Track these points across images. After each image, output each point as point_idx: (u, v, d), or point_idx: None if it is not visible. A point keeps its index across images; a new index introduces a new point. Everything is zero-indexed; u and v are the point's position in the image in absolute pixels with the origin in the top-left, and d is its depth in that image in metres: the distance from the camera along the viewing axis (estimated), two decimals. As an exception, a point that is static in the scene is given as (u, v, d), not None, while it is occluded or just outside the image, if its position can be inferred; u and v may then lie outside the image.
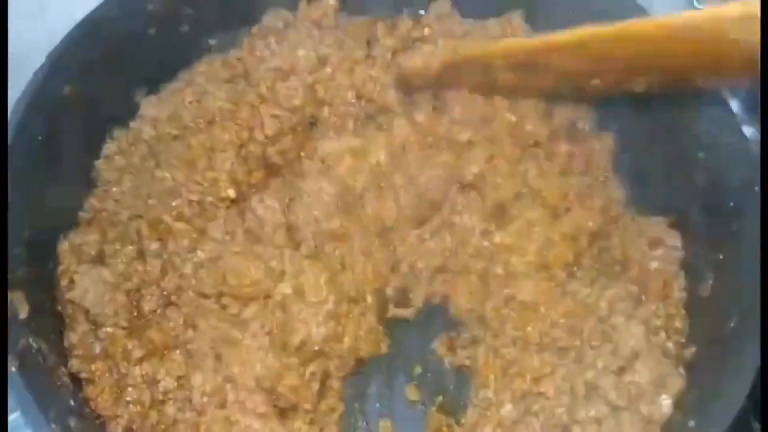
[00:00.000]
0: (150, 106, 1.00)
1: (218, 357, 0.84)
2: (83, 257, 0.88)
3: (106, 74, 0.95)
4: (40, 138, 0.86)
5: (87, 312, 0.85)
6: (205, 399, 0.82)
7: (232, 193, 0.94)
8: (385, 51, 1.03)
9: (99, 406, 0.81)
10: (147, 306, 0.87)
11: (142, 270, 0.89)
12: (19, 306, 0.77)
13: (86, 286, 0.85)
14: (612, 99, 0.96)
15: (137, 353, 0.84)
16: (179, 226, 0.92)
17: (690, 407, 0.79)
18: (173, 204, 0.92)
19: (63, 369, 0.81)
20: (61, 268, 0.87)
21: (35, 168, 0.85)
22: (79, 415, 0.77)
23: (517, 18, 1.04)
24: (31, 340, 0.77)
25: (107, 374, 0.83)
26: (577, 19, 0.93)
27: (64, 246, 0.88)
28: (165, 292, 0.88)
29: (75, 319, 0.85)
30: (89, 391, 0.82)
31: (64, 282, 0.86)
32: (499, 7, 1.05)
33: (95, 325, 0.85)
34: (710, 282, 0.87)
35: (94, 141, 0.96)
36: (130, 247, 0.90)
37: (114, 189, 0.94)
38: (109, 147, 0.97)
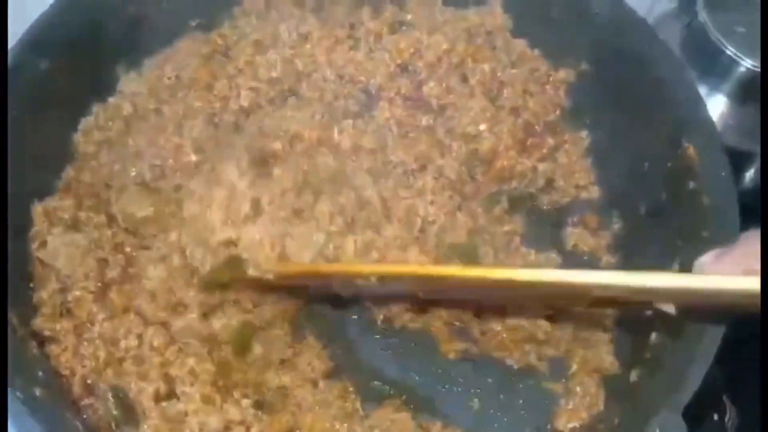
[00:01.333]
0: (129, 83, 1.01)
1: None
2: (57, 222, 0.89)
3: (84, 50, 0.95)
4: (14, 112, 0.85)
5: (57, 273, 0.86)
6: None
7: (194, 157, 0.95)
8: (368, 34, 1.04)
9: (61, 365, 0.82)
10: (112, 272, 0.88)
11: (111, 236, 0.90)
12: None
13: (58, 248, 0.86)
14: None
15: (101, 315, 0.85)
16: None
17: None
18: (133, 169, 0.94)
19: (33, 342, 0.81)
20: (34, 229, 0.88)
21: (13, 139, 0.84)
22: (47, 386, 0.77)
23: (497, 7, 1.04)
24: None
25: (71, 334, 0.84)
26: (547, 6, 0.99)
27: (37, 209, 0.89)
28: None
29: (45, 278, 0.86)
30: (52, 349, 0.83)
31: (35, 244, 0.87)
32: (480, -5, 1.05)
33: (64, 286, 0.86)
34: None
35: (73, 114, 0.97)
36: (103, 216, 0.91)
37: (92, 162, 0.95)
38: (87, 121, 0.97)
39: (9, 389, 0.71)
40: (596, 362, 0.91)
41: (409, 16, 1.05)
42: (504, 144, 0.99)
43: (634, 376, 0.87)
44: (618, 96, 0.99)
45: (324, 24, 1.02)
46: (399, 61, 1.01)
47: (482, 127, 0.98)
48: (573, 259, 0.99)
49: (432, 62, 1.00)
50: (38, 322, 0.83)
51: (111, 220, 0.92)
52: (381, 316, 0.94)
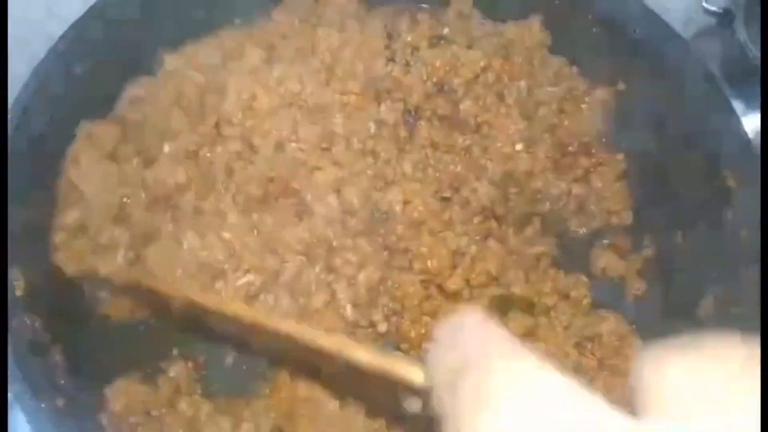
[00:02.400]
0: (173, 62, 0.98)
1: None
2: (97, 147, 0.90)
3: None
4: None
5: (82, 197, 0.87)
6: None
7: None
8: (405, 46, 1.02)
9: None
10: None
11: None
12: (15, 283, 0.78)
13: (91, 171, 0.88)
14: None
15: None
16: None
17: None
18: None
19: (57, 347, 0.81)
20: (73, 148, 0.89)
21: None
22: (69, 396, 0.77)
23: (536, 23, 1.02)
24: (25, 318, 0.77)
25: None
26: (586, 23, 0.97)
27: (82, 131, 0.89)
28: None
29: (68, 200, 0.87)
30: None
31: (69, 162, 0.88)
32: (520, 11, 1.03)
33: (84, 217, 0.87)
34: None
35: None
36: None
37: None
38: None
39: (33, 401, 0.70)
40: (622, 391, 0.90)
41: (446, 30, 1.03)
42: (540, 165, 0.97)
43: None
44: (654, 117, 0.97)
45: (362, 32, 1.00)
46: (435, 79, 0.99)
47: (519, 147, 0.96)
48: (602, 283, 0.97)
49: (469, 79, 0.98)
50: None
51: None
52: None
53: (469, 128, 0.97)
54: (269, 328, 0.67)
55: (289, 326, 0.66)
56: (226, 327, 0.77)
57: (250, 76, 0.94)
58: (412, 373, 0.48)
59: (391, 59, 1.01)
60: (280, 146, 0.92)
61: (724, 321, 0.83)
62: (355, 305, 0.87)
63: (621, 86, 1.01)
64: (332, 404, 0.85)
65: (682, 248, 0.94)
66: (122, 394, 0.84)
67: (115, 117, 0.94)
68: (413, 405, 0.51)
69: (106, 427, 0.82)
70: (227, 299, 0.83)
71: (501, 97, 0.99)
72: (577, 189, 0.98)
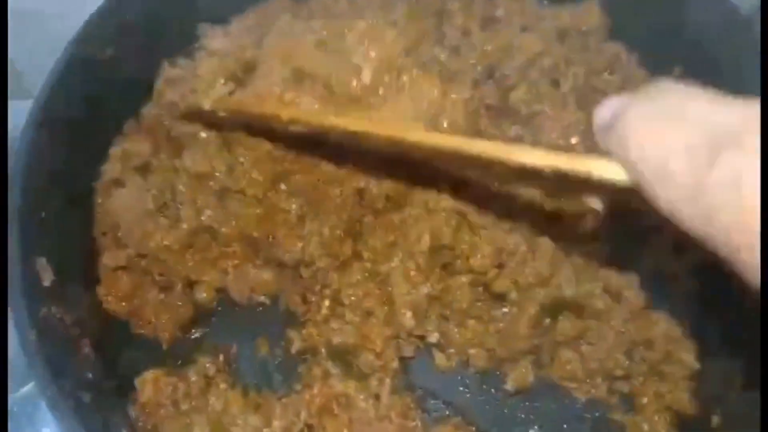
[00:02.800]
0: (215, 38, 0.94)
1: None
2: (130, 164, 0.89)
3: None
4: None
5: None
6: None
7: None
8: (455, 30, 0.96)
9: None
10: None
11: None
12: (43, 273, 0.75)
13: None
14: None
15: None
16: None
17: None
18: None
19: (85, 340, 0.79)
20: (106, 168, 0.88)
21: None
22: (96, 389, 0.75)
23: (595, 6, 0.96)
24: (53, 309, 0.75)
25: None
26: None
27: (116, 151, 0.89)
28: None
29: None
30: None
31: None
32: (575, -8, 0.97)
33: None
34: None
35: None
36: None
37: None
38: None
39: (57, 394, 0.68)
40: (671, 399, 0.85)
41: (499, 11, 0.97)
42: None
43: (715, 421, 0.80)
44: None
45: (411, 15, 0.95)
46: (485, 64, 0.93)
47: (574, 140, 0.90)
48: (653, 280, 0.91)
49: (522, 64, 0.93)
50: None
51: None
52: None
53: (520, 118, 0.92)
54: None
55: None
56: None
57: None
58: (606, 170, 0.47)
59: (440, 41, 0.95)
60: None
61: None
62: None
63: (678, 73, 0.94)
64: (365, 403, 0.82)
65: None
66: (150, 385, 0.82)
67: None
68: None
69: (134, 418, 0.80)
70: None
71: (556, 84, 0.93)
72: None
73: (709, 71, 0.89)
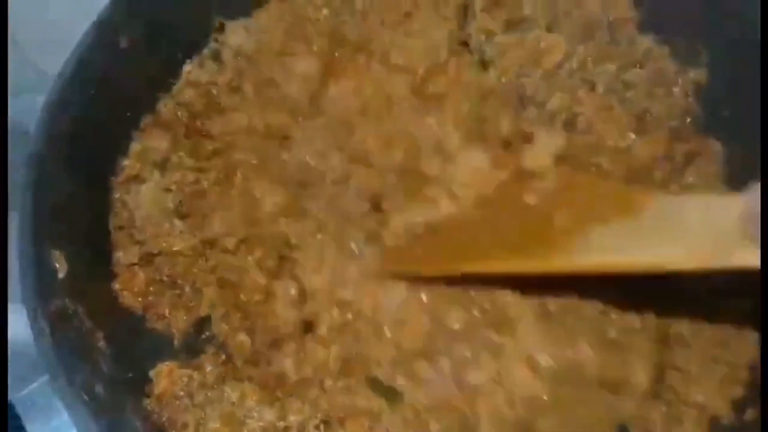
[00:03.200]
0: (235, 34, 0.95)
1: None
2: (149, 159, 0.89)
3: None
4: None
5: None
6: None
7: None
8: (478, 33, 0.93)
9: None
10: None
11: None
12: (58, 264, 0.75)
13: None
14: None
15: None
16: None
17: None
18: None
19: (99, 333, 0.78)
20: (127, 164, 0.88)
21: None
22: (109, 382, 0.75)
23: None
24: (67, 301, 0.74)
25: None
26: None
27: (136, 146, 0.88)
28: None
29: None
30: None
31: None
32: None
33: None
34: None
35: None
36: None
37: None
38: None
39: (68, 388, 0.67)
40: None
41: (527, 8, 0.93)
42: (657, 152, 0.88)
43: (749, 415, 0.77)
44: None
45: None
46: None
47: (633, 135, 0.88)
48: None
49: (549, 70, 0.90)
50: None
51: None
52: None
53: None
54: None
55: None
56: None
57: None
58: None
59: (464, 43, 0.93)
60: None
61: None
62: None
63: (716, 68, 0.91)
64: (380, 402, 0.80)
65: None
66: (166, 377, 0.82)
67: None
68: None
69: (149, 411, 0.79)
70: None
71: (592, 86, 0.90)
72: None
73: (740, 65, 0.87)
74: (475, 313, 0.81)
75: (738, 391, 0.79)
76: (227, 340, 0.83)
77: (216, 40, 0.95)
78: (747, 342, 0.80)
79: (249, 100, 0.92)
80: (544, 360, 0.79)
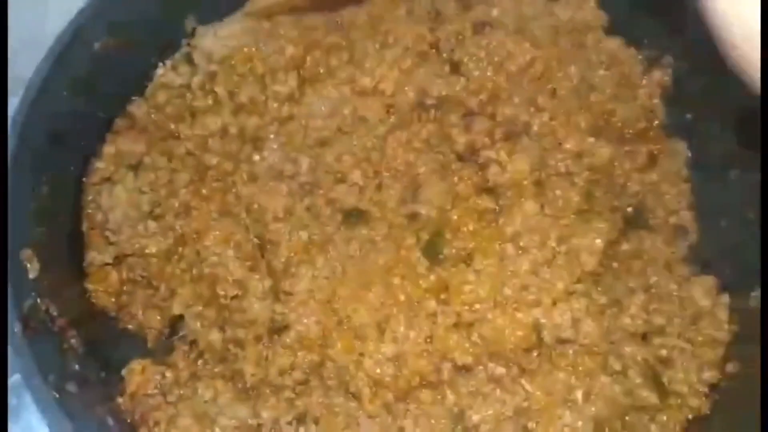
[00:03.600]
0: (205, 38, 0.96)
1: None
2: (123, 162, 0.89)
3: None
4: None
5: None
6: None
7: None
8: (450, 35, 0.94)
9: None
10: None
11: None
12: (30, 264, 0.76)
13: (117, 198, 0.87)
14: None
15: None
16: None
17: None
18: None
19: (72, 332, 0.79)
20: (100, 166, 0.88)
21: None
22: (82, 380, 0.75)
23: (590, 2, 0.95)
24: (38, 300, 0.75)
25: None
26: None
27: (110, 149, 0.89)
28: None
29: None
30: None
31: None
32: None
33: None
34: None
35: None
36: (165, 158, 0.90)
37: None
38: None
39: (42, 384, 0.68)
40: None
41: (495, 11, 0.95)
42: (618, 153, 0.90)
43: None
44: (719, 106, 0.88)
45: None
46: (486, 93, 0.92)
47: (591, 139, 0.88)
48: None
49: (513, 74, 0.91)
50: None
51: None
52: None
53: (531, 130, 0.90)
54: None
55: None
56: None
57: None
58: None
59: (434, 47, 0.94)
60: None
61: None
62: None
63: (681, 68, 0.94)
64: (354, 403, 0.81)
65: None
66: (138, 374, 0.82)
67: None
68: None
69: (122, 411, 0.80)
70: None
71: (553, 93, 0.91)
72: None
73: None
74: None
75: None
76: (199, 338, 0.83)
77: (189, 44, 0.96)
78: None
79: (222, 103, 0.93)
80: None
